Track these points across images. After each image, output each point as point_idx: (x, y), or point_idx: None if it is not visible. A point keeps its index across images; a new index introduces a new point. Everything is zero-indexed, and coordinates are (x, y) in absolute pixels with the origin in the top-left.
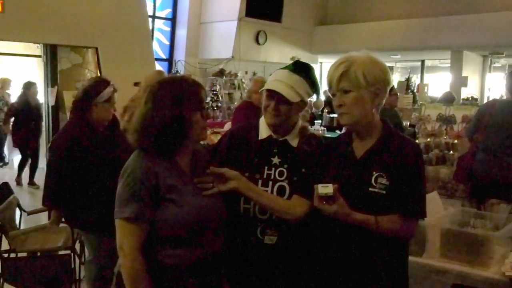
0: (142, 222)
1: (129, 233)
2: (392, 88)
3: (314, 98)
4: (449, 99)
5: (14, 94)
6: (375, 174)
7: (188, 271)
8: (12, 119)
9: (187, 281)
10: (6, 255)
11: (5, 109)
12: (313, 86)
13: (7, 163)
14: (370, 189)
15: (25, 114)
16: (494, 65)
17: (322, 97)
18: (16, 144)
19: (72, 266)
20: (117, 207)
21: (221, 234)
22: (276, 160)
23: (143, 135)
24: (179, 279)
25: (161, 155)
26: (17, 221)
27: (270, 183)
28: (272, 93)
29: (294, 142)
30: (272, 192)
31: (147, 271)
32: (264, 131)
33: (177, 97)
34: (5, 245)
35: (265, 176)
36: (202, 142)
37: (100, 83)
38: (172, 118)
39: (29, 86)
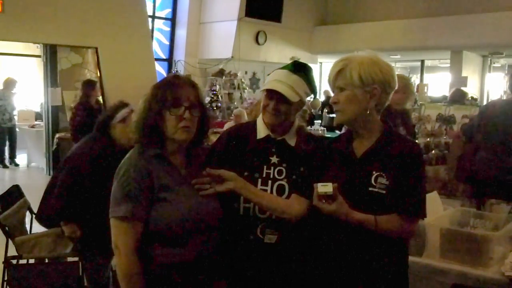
0: (136, 221)
1: (124, 232)
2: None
3: (311, 98)
4: (458, 97)
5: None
6: (375, 174)
7: (182, 270)
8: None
9: (180, 280)
10: (14, 261)
11: (9, 108)
12: (311, 86)
13: (8, 166)
14: (370, 188)
15: (89, 119)
16: (494, 65)
17: (322, 97)
18: None
19: (80, 273)
20: (112, 206)
21: (215, 234)
22: (274, 159)
23: (135, 129)
24: (172, 277)
25: (150, 150)
26: (28, 225)
27: (270, 182)
28: (271, 93)
29: (292, 141)
30: (271, 191)
31: (141, 270)
32: (262, 131)
33: (152, 95)
34: (12, 251)
35: (264, 175)
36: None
37: (118, 106)
38: (144, 114)
39: (93, 85)
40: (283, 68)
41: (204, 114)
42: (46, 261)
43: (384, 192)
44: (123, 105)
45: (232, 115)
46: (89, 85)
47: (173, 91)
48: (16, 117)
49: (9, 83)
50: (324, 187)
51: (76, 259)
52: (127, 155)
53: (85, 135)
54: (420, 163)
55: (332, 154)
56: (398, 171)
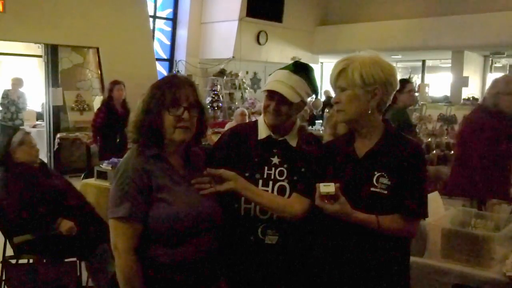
0: (135, 221)
1: (123, 232)
2: (406, 86)
3: (313, 98)
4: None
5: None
6: (376, 174)
7: (181, 270)
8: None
9: (180, 280)
10: (13, 261)
11: (12, 108)
12: (312, 87)
13: None
14: (372, 189)
15: (110, 123)
16: (495, 65)
17: (323, 97)
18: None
19: (78, 273)
20: (110, 207)
21: (214, 234)
22: (276, 160)
23: (132, 129)
24: (172, 277)
25: (148, 150)
26: None
27: (271, 183)
28: (272, 94)
29: (293, 142)
30: (272, 191)
31: (141, 270)
32: (263, 131)
33: (151, 95)
34: (10, 251)
35: (265, 176)
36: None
37: (11, 132)
38: (143, 114)
39: (112, 86)
40: (284, 68)
41: (203, 114)
42: (45, 261)
43: (386, 192)
44: (15, 130)
45: (236, 114)
46: (111, 85)
47: (172, 91)
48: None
49: (15, 83)
50: (326, 187)
51: (74, 259)
52: (125, 156)
53: (105, 138)
54: (422, 163)
55: (334, 154)
56: (400, 171)
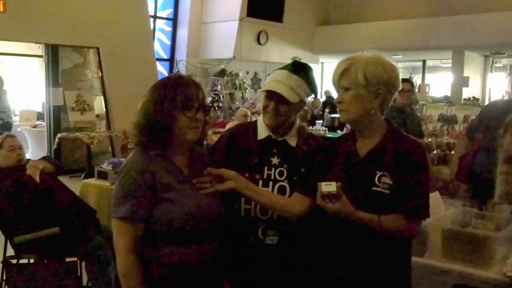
0: (137, 222)
1: (124, 232)
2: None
3: (312, 98)
4: None
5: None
6: (378, 174)
7: (185, 270)
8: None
9: (183, 279)
10: (13, 261)
11: None
12: (311, 86)
13: None
14: (374, 188)
15: None
16: (496, 65)
17: (323, 97)
18: None
19: (79, 273)
20: (113, 207)
21: (218, 233)
22: (275, 160)
23: (136, 130)
24: (175, 277)
25: (152, 150)
26: None
27: (271, 183)
28: (271, 94)
29: (292, 142)
30: (272, 192)
31: (141, 269)
32: (262, 131)
33: (160, 96)
34: (11, 250)
35: (265, 176)
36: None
37: None
38: (153, 115)
39: None
40: (283, 68)
41: (207, 113)
42: (45, 261)
43: (387, 192)
44: None
45: (238, 115)
46: None
47: (182, 92)
48: (18, 117)
49: None
50: (328, 186)
51: (74, 259)
52: (129, 156)
53: None
54: (424, 163)
55: (335, 154)
56: (401, 171)
